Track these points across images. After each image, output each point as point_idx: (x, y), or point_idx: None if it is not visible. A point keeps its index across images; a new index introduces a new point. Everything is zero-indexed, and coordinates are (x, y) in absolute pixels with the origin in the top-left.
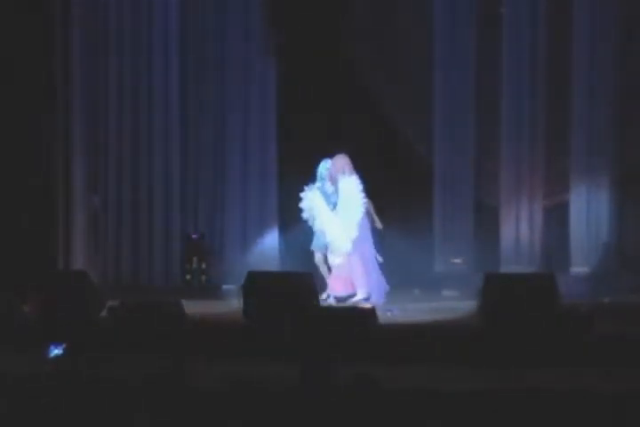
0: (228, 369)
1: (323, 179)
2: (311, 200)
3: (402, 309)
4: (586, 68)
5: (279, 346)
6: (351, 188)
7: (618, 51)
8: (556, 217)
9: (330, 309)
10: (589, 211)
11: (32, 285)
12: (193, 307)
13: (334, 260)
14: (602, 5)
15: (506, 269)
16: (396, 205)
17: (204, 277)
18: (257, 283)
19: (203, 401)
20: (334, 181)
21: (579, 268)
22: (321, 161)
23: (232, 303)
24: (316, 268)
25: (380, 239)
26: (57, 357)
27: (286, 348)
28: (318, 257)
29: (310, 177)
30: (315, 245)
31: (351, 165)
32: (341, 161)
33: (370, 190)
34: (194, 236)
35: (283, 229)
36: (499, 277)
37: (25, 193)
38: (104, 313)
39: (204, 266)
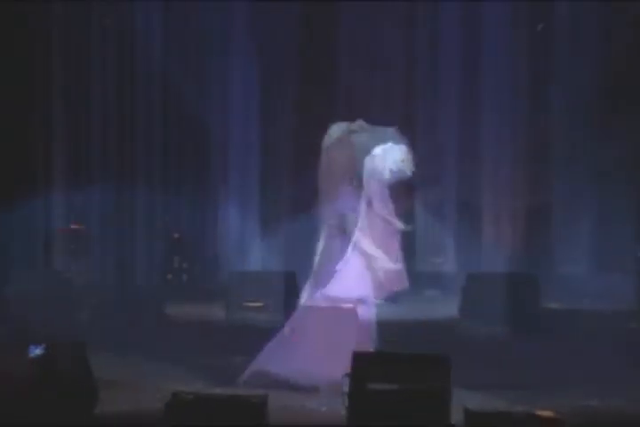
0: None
1: None
2: None
3: (383, 308)
4: (567, 69)
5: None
6: None
7: (599, 53)
8: (539, 217)
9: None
10: (572, 211)
11: None
12: (175, 306)
13: None
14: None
15: (488, 268)
16: None
17: (185, 277)
18: (239, 283)
19: None
20: None
21: (561, 268)
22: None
23: (214, 303)
24: (298, 267)
25: None
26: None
27: None
28: None
29: (295, 176)
30: None
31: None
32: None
33: None
34: (175, 235)
35: (264, 229)
36: (480, 276)
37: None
38: None
39: (185, 265)
